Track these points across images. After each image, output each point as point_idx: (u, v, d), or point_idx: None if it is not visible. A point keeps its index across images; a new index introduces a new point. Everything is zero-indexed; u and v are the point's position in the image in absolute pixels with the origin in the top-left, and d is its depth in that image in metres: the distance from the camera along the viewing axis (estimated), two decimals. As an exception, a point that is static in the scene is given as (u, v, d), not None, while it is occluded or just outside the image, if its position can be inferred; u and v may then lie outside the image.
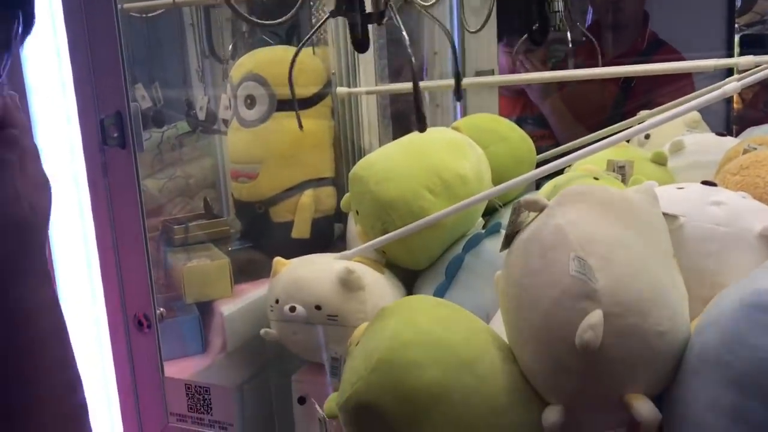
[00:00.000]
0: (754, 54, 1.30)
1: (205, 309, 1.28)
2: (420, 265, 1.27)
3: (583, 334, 0.72)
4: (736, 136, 1.57)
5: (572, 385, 0.77)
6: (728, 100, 2.42)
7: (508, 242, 0.88)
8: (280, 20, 0.86)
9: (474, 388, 0.82)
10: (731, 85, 1.11)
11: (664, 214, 0.88)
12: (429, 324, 0.86)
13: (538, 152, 1.54)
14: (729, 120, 2.56)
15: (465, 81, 1.65)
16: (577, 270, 0.75)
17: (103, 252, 0.96)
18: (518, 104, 2.27)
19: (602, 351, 0.72)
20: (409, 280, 1.28)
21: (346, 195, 1.31)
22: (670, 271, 0.79)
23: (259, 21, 0.93)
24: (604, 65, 2.01)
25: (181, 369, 1.20)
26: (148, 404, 0.97)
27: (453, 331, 0.86)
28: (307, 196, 1.45)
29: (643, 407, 0.73)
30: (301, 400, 1.22)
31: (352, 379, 0.84)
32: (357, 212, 1.28)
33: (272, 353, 1.27)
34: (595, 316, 0.72)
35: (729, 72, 1.63)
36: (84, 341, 1.00)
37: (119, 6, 0.95)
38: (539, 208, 0.85)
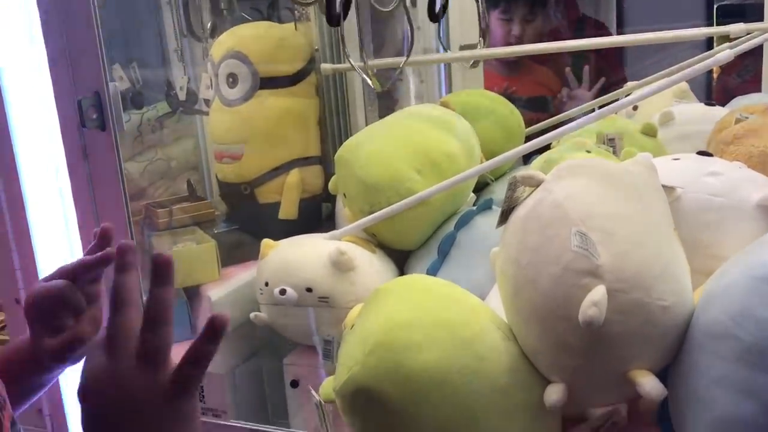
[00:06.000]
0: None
1: (192, 294, 1.25)
2: (411, 246, 1.24)
3: (587, 310, 0.70)
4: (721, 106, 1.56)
5: (575, 362, 0.76)
6: (708, 70, 2.42)
7: (504, 218, 0.86)
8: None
9: (474, 369, 0.80)
10: (724, 53, 1.09)
11: (662, 186, 0.86)
12: (426, 304, 0.84)
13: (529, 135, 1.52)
14: (709, 89, 2.55)
15: (451, 55, 1.62)
16: (579, 245, 0.73)
17: (86, 238, 0.92)
18: (510, 83, 2.21)
19: (606, 328, 0.71)
20: (401, 259, 1.26)
21: (334, 177, 1.29)
22: (672, 244, 0.77)
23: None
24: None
25: (169, 356, 1.17)
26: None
27: (451, 311, 0.84)
28: (293, 175, 1.42)
29: (648, 383, 0.72)
30: (294, 384, 1.20)
31: (349, 363, 0.82)
32: (345, 195, 1.25)
33: (263, 337, 1.25)
34: (599, 293, 0.71)
35: (708, 43, 1.62)
36: None
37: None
38: (536, 183, 0.83)
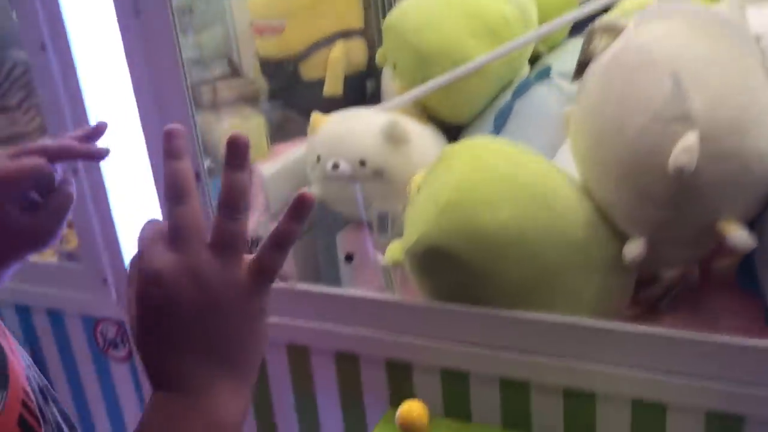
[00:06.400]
0: None
1: (243, 171, 1.23)
2: (464, 118, 1.20)
3: (678, 157, 0.67)
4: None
5: (659, 215, 0.73)
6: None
7: (580, 71, 0.81)
8: None
9: (550, 225, 0.78)
10: None
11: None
12: (498, 162, 0.81)
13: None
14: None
15: None
16: (670, 90, 0.69)
17: (141, 100, 0.88)
18: None
19: (697, 176, 0.67)
20: (452, 135, 1.22)
21: (381, 48, 1.23)
22: (766, 89, 0.73)
23: None
24: None
25: (224, 231, 1.16)
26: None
27: (524, 169, 0.81)
28: (337, 50, 1.36)
29: (738, 234, 0.69)
30: (349, 258, 1.19)
31: (419, 223, 0.80)
32: (394, 66, 1.20)
33: (316, 212, 1.23)
34: (691, 139, 0.67)
35: None
36: (127, 207, 0.94)
37: None
38: (618, 30, 0.78)
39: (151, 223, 0.43)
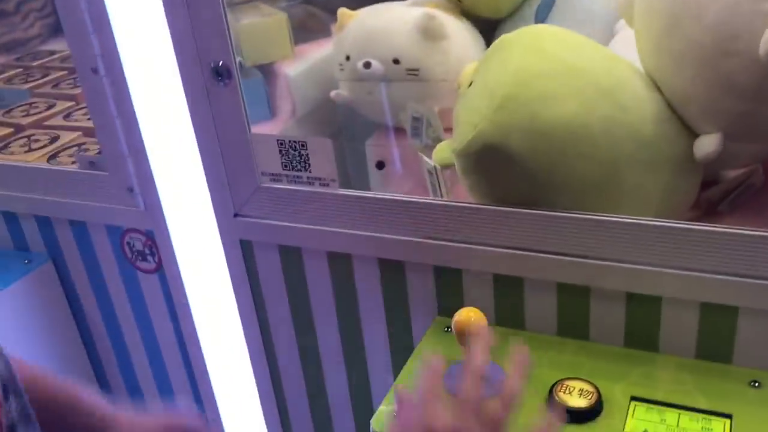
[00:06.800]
0: None
1: (267, 72, 1.16)
2: (502, 12, 1.12)
3: (770, 41, 0.60)
4: None
5: (741, 107, 0.67)
6: None
7: (649, -50, 0.74)
8: None
9: (616, 120, 0.72)
10: None
11: None
12: (560, 52, 0.74)
13: None
14: None
15: None
16: (764, -37, 0.62)
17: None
18: None
19: (789, 62, 0.61)
20: (487, 31, 1.14)
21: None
22: None
23: None
24: None
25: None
26: (234, 164, 0.88)
27: (588, 59, 0.75)
28: (360, -60, 1.26)
29: (830, 125, 0.64)
30: (380, 165, 1.14)
31: (473, 119, 0.74)
32: (426, -47, 1.11)
33: (343, 118, 1.17)
34: (786, 19, 0.60)
35: None
36: (152, 108, 0.87)
37: None
38: None
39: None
